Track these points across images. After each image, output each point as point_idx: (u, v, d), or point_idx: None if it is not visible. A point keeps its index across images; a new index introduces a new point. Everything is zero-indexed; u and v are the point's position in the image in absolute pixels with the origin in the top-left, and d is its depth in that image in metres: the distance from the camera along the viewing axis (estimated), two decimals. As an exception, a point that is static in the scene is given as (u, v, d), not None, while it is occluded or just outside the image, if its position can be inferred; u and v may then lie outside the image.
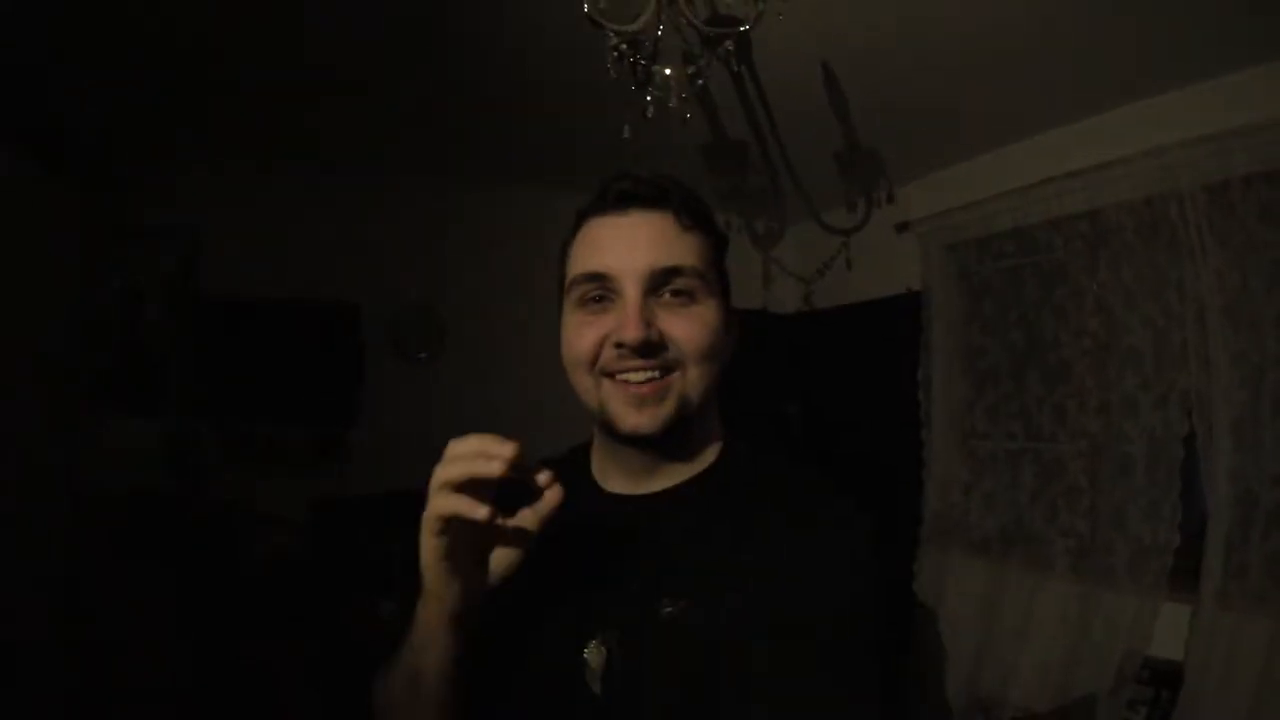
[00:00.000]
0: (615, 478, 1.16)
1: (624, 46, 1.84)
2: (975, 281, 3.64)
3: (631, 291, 1.04)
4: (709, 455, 1.15)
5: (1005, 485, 3.41)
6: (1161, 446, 2.81)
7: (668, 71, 1.96)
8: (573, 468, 1.21)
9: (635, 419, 1.04)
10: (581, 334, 1.07)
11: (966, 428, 3.62)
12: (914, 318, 3.80)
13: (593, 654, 1.01)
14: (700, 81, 1.99)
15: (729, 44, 1.86)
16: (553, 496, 0.91)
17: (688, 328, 1.05)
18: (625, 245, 1.07)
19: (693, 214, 1.10)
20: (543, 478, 0.90)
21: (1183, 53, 2.59)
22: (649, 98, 1.98)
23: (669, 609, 1.00)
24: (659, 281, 1.05)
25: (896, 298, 3.93)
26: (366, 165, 3.83)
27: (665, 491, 1.12)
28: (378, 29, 2.54)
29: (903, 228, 3.86)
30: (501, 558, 0.96)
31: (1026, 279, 3.39)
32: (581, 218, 1.15)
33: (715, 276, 1.12)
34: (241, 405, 3.52)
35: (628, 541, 1.09)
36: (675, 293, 1.06)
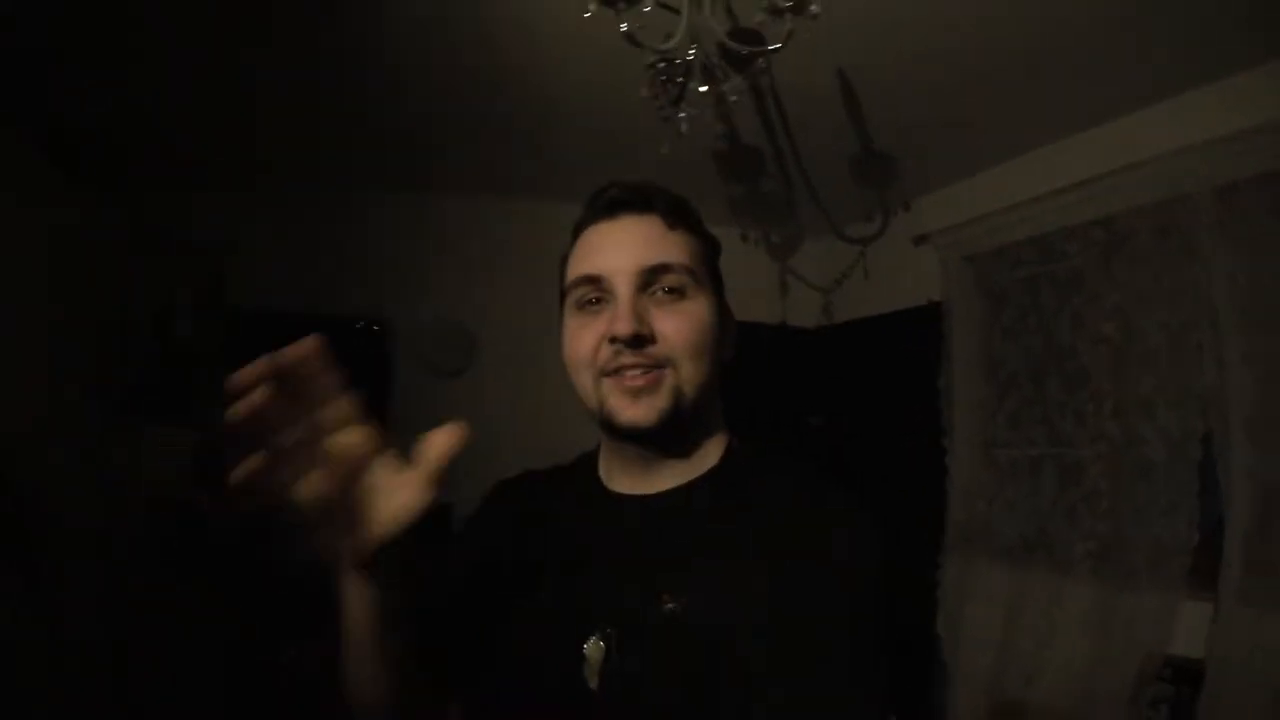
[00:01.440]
0: (620, 477, 1.19)
1: (661, 65, 1.92)
2: (994, 291, 3.67)
3: (623, 290, 1.08)
4: (712, 456, 1.17)
5: (1027, 492, 3.42)
6: (1179, 447, 2.82)
7: (703, 89, 2.03)
8: (580, 470, 1.27)
9: (631, 411, 1.07)
10: (580, 335, 1.12)
11: (988, 436, 3.63)
12: (934, 328, 3.82)
13: (591, 650, 1.03)
14: (734, 99, 2.05)
15: (762, 62, 1.92)
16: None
17: (678, 322, 1.08)
18: (616, 247, 1.11)
19: (678, 215, 1.14)
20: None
21: (1189, 57, 2.63)
22: (682, 115, 2.05)
23: (670, 606, 1.02)
24: (649, 279, 1.09)
25: (916, 309, 3.96)
26: (394, 182, 3.90)
27: (669, 491, 1.14)
28: (406, 49, 2.63)
29: (921, 240, 3.89)
30: (396, 505, 0.84)
31: (1044, 286, 3.41)
32: (577, 229, 1.19)
33: (706, 274, 1.15)
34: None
35: (630, 539, 1.12)
36: (666, 290, 1.09)
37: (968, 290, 3.76)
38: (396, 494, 0.84)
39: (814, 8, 1.78)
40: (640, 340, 1.06)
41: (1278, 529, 2.53)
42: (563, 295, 1.18)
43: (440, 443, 0.84)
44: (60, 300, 3.18)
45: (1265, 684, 2.46)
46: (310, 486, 0.78)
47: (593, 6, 1.83)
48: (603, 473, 1.22)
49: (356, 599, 0.94)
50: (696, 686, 0.97)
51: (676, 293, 1.10)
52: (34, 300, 2.95)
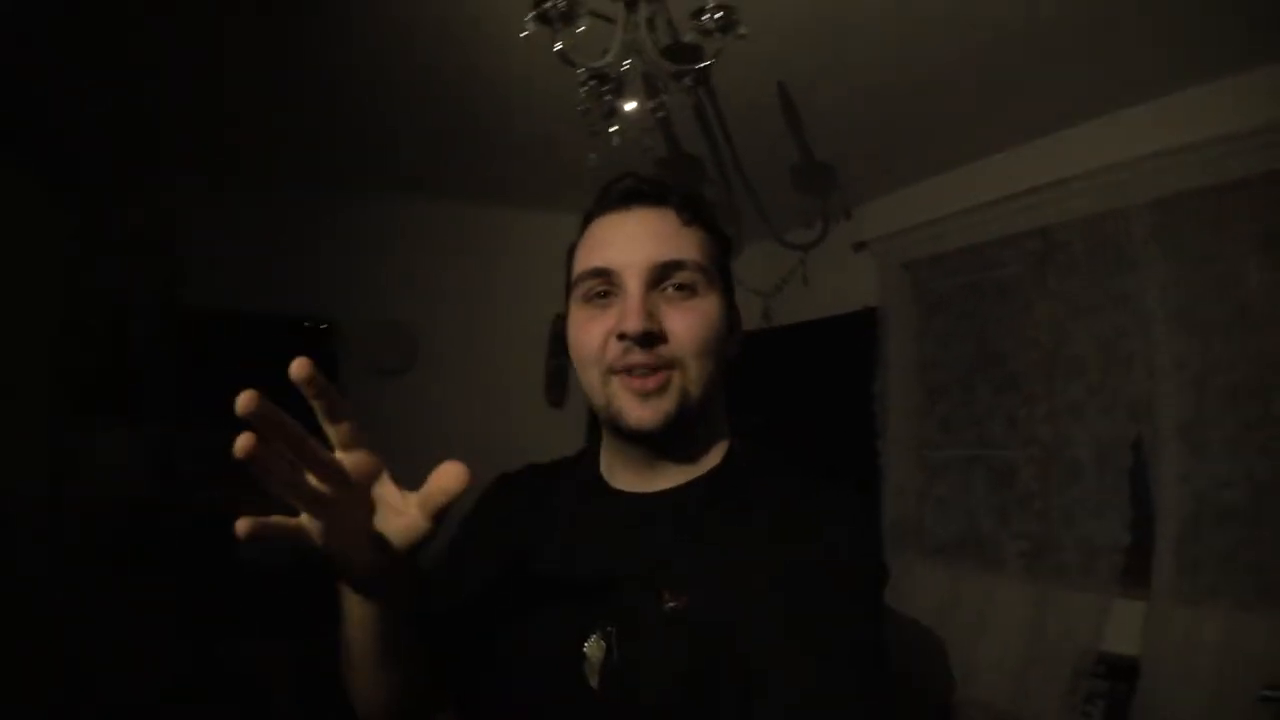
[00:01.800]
0: (621, 475, 1.17)
1: (592, 82, 1.94)
2: (930, 297, 3.74)
3: (634, 285, 1.05)
4: (714, 456, 1.16)
5: (959, 492, 3.50)
6: (1109, 450, 2.90)
7: (628, 107, 2.05)
8: (582, 465, 1.25)
9: (639, 412, 1.05)
10: (587, 329, 1.09)
11: (921, 438, 3.71)
12: (870, 333, 3.88)
13: (592, 648, 1.02)
14: (661, 114, 2.08)
15: (687, 80, 1.95)
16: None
17: (688, 321, 1.06)
18: (628, 241, 1.09)
19: (693, 211, 1.12)
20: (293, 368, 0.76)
21: (1128, 74, 2.70)
22: (613, 129, 2.07)
23: (670, 605, 1.00)
24: (660, 275, 1.07)
25: (853, 314, 4.01)
26: (338, 182, 3.93)
27: (670, 489, 1.13)
28: (357, 53, 2.64)
29: (860, 247, 3.95)
30: (399, 527, 0.85)
31: (978, 294, 3.48)
32: (587, 219, 1.17)
33: (717, 272, 1.13)
34: (223, 416, 3.51)
35: (630, 537, 1.11)
36: (677, 287, 1.07)
37: (904, 296, 3.84)
38: (397, 518, 0.85)
39: (742, 29, 1.81)
40: (650, 338, 1.04)
41: (1209, 531, 2.61)
42: (569, 286, 1.16)
43: (444, 482, 0.82)
44: (13, 298, 3.15)
45: (1198, 680, 2.52)
46: (312, 515, 0.80)
47: (531, 26, 1.84)
48: (604, 469, 1.21)
49: (357, 612, 0.93)
50: (697, 685, 0.96)
51: (688, 290, 1.08)
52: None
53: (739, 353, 1.18)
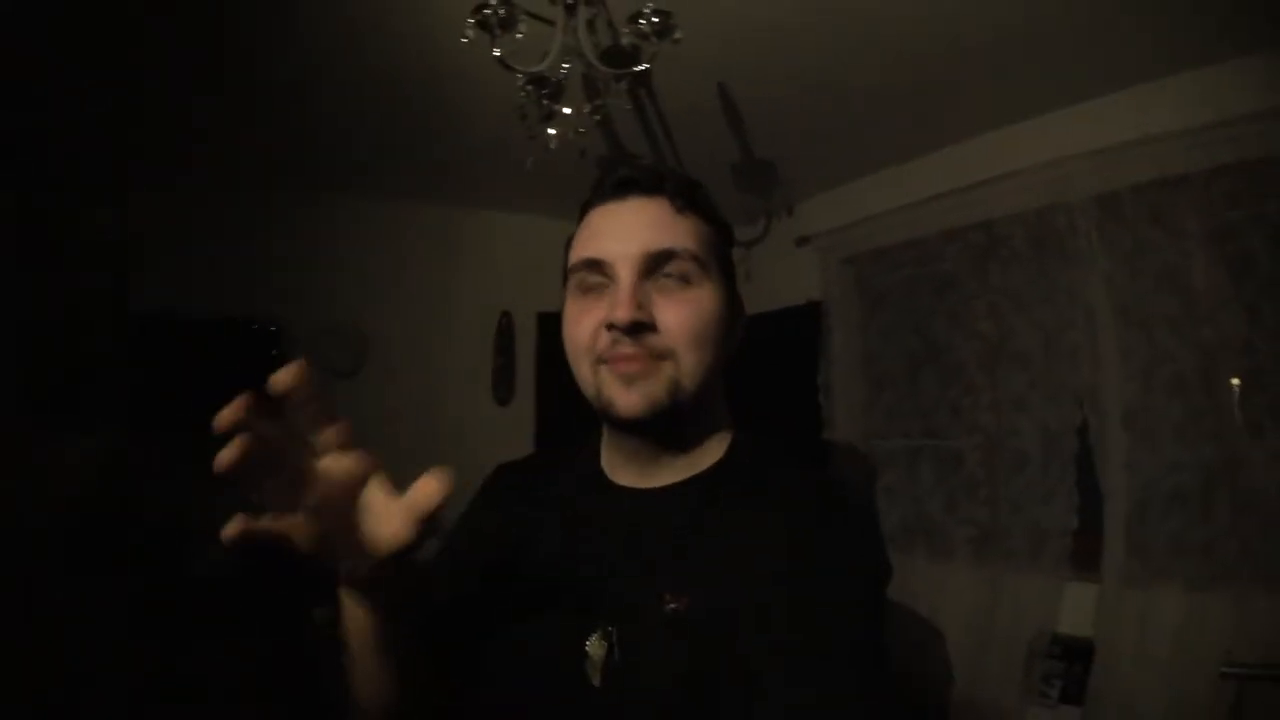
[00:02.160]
0: (621, 470, 1.16)
1: (530, 86, 1.95)
2: (873, 291, 3.78)
3: (625, 275, 1.04)
4: (716, 451, 1.14)
5: (906, 482, 3.54)
6: (1054, 439, 2.95)
7: (567, 111, 2.07)
8: (583, 459, 1.23)
9: (626, 398, 1.03)
10: (579, 320, 1.07)
11: (867, 429, 3.74)
12: (814, 326, 3.92)
13: (594, 647, 1.01)
14: (598, 118, 2.10)
15: (626, 82, 1.97)
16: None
17: (681, 312, 1.04)
18: (620, 230, 1.07)
19: (689, 199, 1.10)
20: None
21: (1073, 71, 2.74)
22: (551, 131, 2.09)
23: (671, 605, 0.99)
24: (653, 265, 1.05)
25: (797, 308, 4.04)
26: (287, 183, 3.91)
27: (672, 486, 1.11)
28: (306, 55, 2.63)
29: (803, 242, 3.98)
30: (386, 535, 0.83)
31: (922, 287, 3.52)
32: (584, 209, 1.15)
33: (714, 262, 1.11)
34: (173, 420, 3.51)
35: (632, 534, 1.09)
36: (670, 277, 1.05)
37: (848, 290, 3.88)
38: (387, 522, 0.83)
39: (678, 33, 1.83)
40: (640, 328, 1.02)
41: (1157, 515, 2.66)
42: (565, 277, 1.14)
43: (428, 491, 0.80)
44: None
45: (1152, 660, 2.57)
46: (302, 523, 0.78)
47: (471, 33, 1.85)
48: (605, 464, 1.20)
49: (352, 614, 0.93)
50: (698, 686, 0.95)
51: (681, 279, 1.06)
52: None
53: (741, 343, 1.17)
